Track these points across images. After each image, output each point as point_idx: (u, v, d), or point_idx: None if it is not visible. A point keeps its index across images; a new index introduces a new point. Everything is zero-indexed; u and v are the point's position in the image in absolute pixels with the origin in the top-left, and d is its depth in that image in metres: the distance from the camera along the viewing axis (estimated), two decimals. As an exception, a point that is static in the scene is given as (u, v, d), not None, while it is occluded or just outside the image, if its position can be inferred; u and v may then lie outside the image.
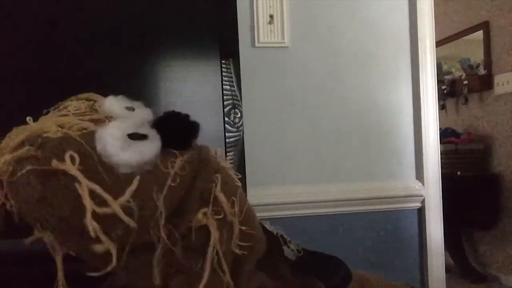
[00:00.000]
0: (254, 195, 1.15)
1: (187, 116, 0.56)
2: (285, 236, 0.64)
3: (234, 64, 1.09)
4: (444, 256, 1.39)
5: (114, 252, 0.45)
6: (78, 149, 0.46)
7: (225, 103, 1.08)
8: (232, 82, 1.09)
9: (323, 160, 1.30)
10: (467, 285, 2.80)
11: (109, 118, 0.53)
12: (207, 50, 1.05)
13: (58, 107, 0.56)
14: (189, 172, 0.52)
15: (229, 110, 1.10)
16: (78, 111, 0.54)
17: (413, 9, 1.35)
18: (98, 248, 0.44)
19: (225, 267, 0.52)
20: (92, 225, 0.43)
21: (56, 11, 0.97)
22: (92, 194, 0.44)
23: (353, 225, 1.32)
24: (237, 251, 0.54)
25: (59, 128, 0.48)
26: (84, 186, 0.44)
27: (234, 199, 0.55)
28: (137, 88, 1.01)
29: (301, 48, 1.29)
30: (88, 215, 0.43)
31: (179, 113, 0.56)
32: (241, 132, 1.12)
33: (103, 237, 0.44)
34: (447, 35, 3.22)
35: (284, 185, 1.27)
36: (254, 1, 1.25)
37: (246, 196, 0.62)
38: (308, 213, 1.28)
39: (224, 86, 1.07)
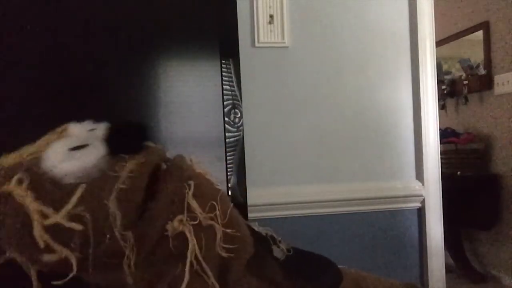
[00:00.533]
0: (254, 195, 1.15)
1: (130, 121, 0.58)
2: (275, 236, 0.64)
3: (234, 64, 1.09)
4: (444, 256, 1.38)
5: (73, 259, 0.47)
6: (28, 171, 0.50)
7: (225, 103, 1.08)
8: (232, 82, 1.09)
9: (323, 160, 1.30)
10: (467, 285, 2.80)
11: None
12: (207, 50, 1.05)
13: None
14: (142, 174, 0.53)
15: (229, 110, 1.10)
16: (47, 142, 0.57)
17: (413, 9, 1.35)
18: (49, 257, 0.47)
19: (208, 270, 0.52)
20: (40, 236, 0.46)
21: (56, 10, 0.97)
22: (42, 209, 0.47)
23: (353, 225, 1.31)
24: (224, 254, 0.54)
25: (19, 157, 0.52)
26: (29, 203, 0.47)
27: (214, 203, 0.55)
28: (137, 88, 1.00)
29: (301, 48, 1.29)
30: (36, 228, 0.46)
31: (123, 121, 0.58)
32: (241, 132, 1.12)
33: (55, 246, 0.47)
34: (447, 35, 3.22)
35: (284, 185, 1.27)
36: (254, 1, 1.25)
37: (229, 199, 0.62)
38: (308, 213, 1.27)
39: (224, 86, 1.07)
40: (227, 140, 1.08)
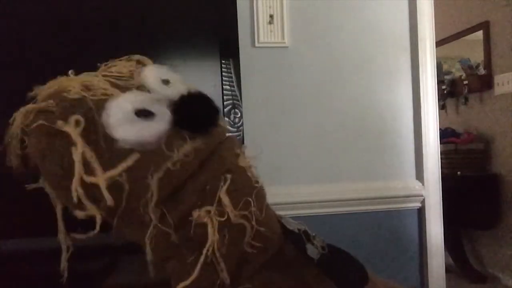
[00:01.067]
0: (254, 195, 1.15)
1: (208, 98, 0.53)
2: (309, 232, 0.61)
3: (234, 64, 1.09)
4: (444, 256, 1.38)
5: (98, 219, 0.46)
6: (87, 114, 0.47)
7: (225, 103, 1.08)
8: (232, 82, 1.09)
9: (323, 160, 1.30)
10: (467, 285, 2.80)
11: (140, 87, 0.53)
12: (207, 50, 1.05)
13: (106, 64, 0.57)
14: (193, 161, 0.50)
15: (229, 110, 1.10)
16: (118, 74, 0.54)
17: (413, 9, 1.35)
18: (79, 214, 0.46)
19: (222, 265, 0.51)
20: (76, 190, 0.44)
21: (56, 10, 0.97)
22: (86, 162, 0.45)
23: (352, 225, 1.31)
24: (249, 249, 0.53)
25: (83, 89, 0.49)
26: (79, 151, 0.45)
27: (250, 199, 0.53)
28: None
29: (301, 48, 1.29)
30: (75, 181, 0.44)
31: (202, 94, 0.53)
32: (241, 132, 1.12)
33: (86, 203, 0.45)
34: (447, 35, 3.22)
35: (284, 185, 1.27)
36: (254, 1, 1.25)
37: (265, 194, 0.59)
38: (308, 213, 1.27)
39: (224, 86, 1.07)
40: (227, 140, 1.08)
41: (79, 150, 0.45)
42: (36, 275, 0.88)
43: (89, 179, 0.45)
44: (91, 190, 0.45)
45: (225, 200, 0.52)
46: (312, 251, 0.58)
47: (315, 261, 0.58)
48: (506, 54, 2.74)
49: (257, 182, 0.57)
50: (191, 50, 1.05)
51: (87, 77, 0.53)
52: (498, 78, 2.80)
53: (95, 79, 0.52)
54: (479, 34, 2.94)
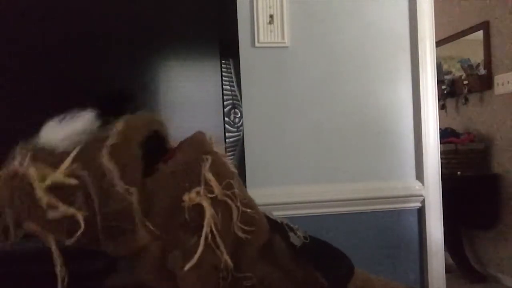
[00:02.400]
0: (254, 195, 1.14)
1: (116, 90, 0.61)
2: (291, 225, 0.65)
3: (234, 64, 1.09)
4: (444, 256, 1.38)
5: (79, 216, 0.49)
6: (31, 152, 0.53)
7: (225, 103, 1.08)
8: (232, 82, 1.09)
9: (323, 160, 1.30)
10: (467, 285, 2.80)
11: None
12: (207, 50, 1.05)
13: None
14: (137, 128, 0.55)
15: (229, 110, 1.10)
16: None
17: (413, 9, 1.35)
18: (53, 214, 0.49)
19: (221, 245, 0.52)
20: (42, 197, 0.49)
21: (55, 9, 0.97)
22: (42, 176, 0.50)
23: (352, 225, 1.31)
24: (240, 234, 0.54)
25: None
26: (30, 172, 0.50)
27: (231, 181, 0.56)
28: (137, 88, 1.00)
29: (301, 48, 1.29)
30: (37, 190, 0.49)
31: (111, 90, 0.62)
32: (241, 132, 1.12)
33: (59, 204, 0.49)
34: (447, 35, 3.22)
35: (284, 185, 1.27)
36: (254, 1, 1.25)
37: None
38: (308, 213, 1.27)
39: (224, 86, 1.07)
40: (227, 140, 1.08)
41: (30, 170, 0.50)
42: (36, 275, 0.88)
43: (47, 181, 0.49)
44: (60, 194, 0.49)
45: (209, 176, 0.54)
46: (295, 239, 0.62)
47: (297, 248, 0.61)
48: (506, 54, 2.74)
49: (234, 168, 0.60)
50: (191, 50, 1.05)
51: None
52: (498, 78, 2.80)
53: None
54: (479, 34, 2.94)
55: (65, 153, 0.52)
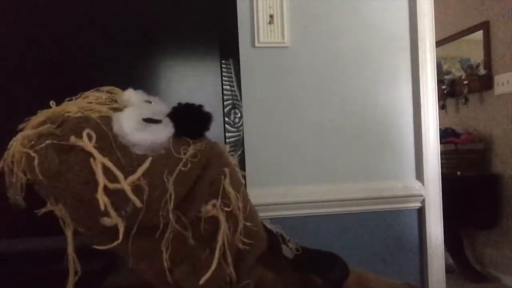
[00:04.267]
0: (254, 195, 1.14)
1: (200, 106, 0.58)
2: (284, 235, 0.65)
3: (234, 64, 1.09)
4: (444, 256, 1.38)
5: (121, 228, 0.46)
6: (96, 128, 0.48)
7: (225, 103, 1.08)
8: (232, 82, 1.09)
9: (323, 160, 1.30)
10: (467, 285, 2.80)
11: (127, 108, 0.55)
12: (207, 50, 1.05)
13: (80, 96, 0.58)
14: (200, 160, 0.53)
15: (229, 110, 1.10)
16: (98, 100, 0.56)
17: (413, 9, 1.35)
18: (107, 221, 0.46)
19: (229, 258, 0.53)
20: (102, 199, 0.45)
21: (55, 9, 0.97)
22: (105, 171, 0.46)
23: (352, 225, 1.31)
24: (240, 245, 0.55)
25: (80, 110, 0.51)
26: (98, 161, 0.46)
27: (238, 195, 0.56)
28: (137, 88, 1.00)
29: (301, 48, 1.29)
30: (100, 189, 0.45)
31: (193, 104, 0.58)
32: (241, 132, 1.12)
33: (112, 212, 0.46)
34: (447, 35, 3.22)
35: (284, 185, 1.27)
36: (254, 1, 1.25)
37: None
38: (308, 213, 1.28)
39: (224, 86, 1.07)
40: (227, 140, 1.08)
41: (98, 160, 0.46)
42: (36, 275, 0.88)
43: (113, 186, 0.46)
44: (114, 202, 0.46)
45: (230, 189, 0.55)
46: (287, 251, 0.63)
47: (289, 261, 0.62)
48: (506, 54, 2.74)
49: (243, 178, 0.61)
50: (191, 50, 1.05)
51: (75, 102, 0.55)
52: (498, 78, 2.80)
53: (84, 103, 0.54)
54: (479, 34, 2.94)
55: (137, 159, 0.49)
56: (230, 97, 1.09)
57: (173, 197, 0.49)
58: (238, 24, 1.19)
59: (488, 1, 2.86)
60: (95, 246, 0.48)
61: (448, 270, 1.58)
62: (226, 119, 1.08)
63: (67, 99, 0.56)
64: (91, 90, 0.60)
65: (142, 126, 0.51)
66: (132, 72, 1.01)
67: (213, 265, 0.51)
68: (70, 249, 0.52)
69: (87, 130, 0.47)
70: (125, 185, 0.46)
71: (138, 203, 0.46)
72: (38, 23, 0.96)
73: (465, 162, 2.86)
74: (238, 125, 1.12)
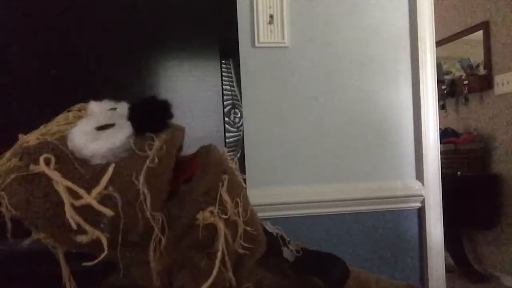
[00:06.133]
0: (254, 195, 1.14)
1: (153, 97, 0.56)
2: (285, 237, 0.65)
3: (234, 64, 1.09)
4: (444, 256, 1.38)
5: (103, 240, 0.46)
6: (54, 150, 0.49)
7: (225, 103, 1.08)
8: (232, 82, 1.09)
9: (323, 160, 1.30)
10: (467, 285, 2.80)
11: None
12: (207, 50, 1.05)
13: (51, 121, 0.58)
14: (168, 152, 0.52)
15: (229, 110, 1.10)
16: (66, 121, 0.56)
17: (413, 9, 1.35)
18: (82, 238, 0.47)
19: (228, 264, 0.52)
20: (72, 217, 0.45)
21: (56, 9, 0.97)
22: (71, 190, 0.46)
23: (353, 225, 1.31)
24: (240, 250, 0.54)
25: (39, 137, 0.51)
26: (60, 183, 0.46)
27: (238, 200, 0.55)
28: (137, 88, 1.00)
29: (301, 48, 1.29)
30: (67, 209, 0.45)
31: (148, 98, 0.56)
32: (241, 132, 1.12)
33: (87, 227, 0.46)
34: (447, 35, 3.22)
35: (284, 185, 1.27)
36: (254, 1, 1.25)
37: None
38: (308, 213, 1.27)
39: (224, 86, 1.07)
40: (227, 140, 1.08)
41: (59, 181, 0.46)
42: (36, 275, 0.88)
43: (79, 202, 0.46)
44: (89, 217, 0.46)
45: (226, 197, 0.54)
46: (287, 254, 0.62)
47: (290, 263, 0.62)
48: (506, 54, 2.74)
49: (244, 182, 0.60)
50: (191, 50, 1.05)
51: (38, 130, 0.55)
52: (498, 78, 2.80)
53: (46, 128, 0.54)
54: (479, 34, 2.94)
55: (99, 169, 0.48)
56: (230, 97, 1.09)
57: (148, 196, 0.48)
58: (238, 24, 1.19)
59: (488, 1, 2.86)
60: (84, 264, 0.47)
61: (448, 270, 1.58)
62: (226, 119, 1.08)
63: (42, 125, 0.56)
64: (63, 112, 0.60)
65: (95, 136, 0.50)
66: (133, 72, 1.01)
67: (213, 274, 0.51)
68: (65, 272, 0.52)
69: (44, 155, 0.47)
70: (89, 199, 0.46)
71: (108, 212, 0.46)
72: (38, 23, 0.96)
73: (465, 162, 2.86)
74: (238, 125, 1.12)
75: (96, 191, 0.46)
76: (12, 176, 0.47)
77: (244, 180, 0.62)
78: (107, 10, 0.99)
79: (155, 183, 0.49)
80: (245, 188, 0.60)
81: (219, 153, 0.59)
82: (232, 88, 1.09)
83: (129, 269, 0.53)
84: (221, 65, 1.06)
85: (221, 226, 0.52)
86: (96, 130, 0.51)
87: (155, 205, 0.49)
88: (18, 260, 0.86)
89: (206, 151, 0.58)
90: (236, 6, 1.13)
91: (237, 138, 1.11)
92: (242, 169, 1.08)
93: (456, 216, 2.38)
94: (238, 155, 1.09)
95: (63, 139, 0.50)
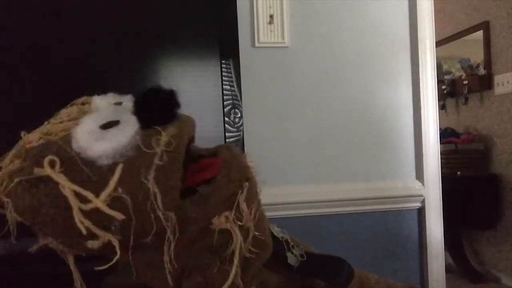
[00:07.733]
0: (254, 195, 1.15)
1: (158, 88, 0.53)
2: (290, 241, 0.63)
3: (234, 64, 1.09)
4: (444, 256, 1.38)
5: (115, 243, 0.45)
6: (58, 152, 0.46)
7: (225, 103, 1.08)
8: (232, 82, 1.09)
9: (323, 160, 1.30)
10: (467, 285, 2.80)
11: None
12: (207, 50, 1.05)
13: (54, 115, 0.56)
14: (178, 147, 0.49)
15: (229, 110, 1.10)
16: (70, 116, 0.53)
17: (413, 9, 1.35)
18: (93, 244, 0.45)
19: (239, 270, 0.51)
20: (81, 222, 0.43)
21: (56, 10, 0.97)
22: (78, 194, 0.44)
23: (352, 225, 1.31)
24: (247, 255, 0.53)
25: (42, 136, 0.48)
26: (66, 186, 0.44)
27: (252, 205, 0.54)
28: (137, 88, 1.00)
29: (301, 48, 1.29)
30: (76, 214, 0.43)
31: (152, 89, 0.53)
32: (241, 132, 1.12)
33: (97, 231, 0.44)
34: (447, 35, 3.22)
35: (284, 185, 1.27)
36: (254, 1, 1.25)
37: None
38: (308, 213, 1.27)
39: (224, 86, 1.07)
40: (227, 140, 1.08)
41: (65, 185, 0.44)
42: (36, 275, 0.88)
43: (87, 206, 0.44)
44: (99, 220, 0.45)
45: (243, 207, 0.52)
46: (292, 259, 0.61)
47: (294, 268, 0.61)
48: (506, 54, 2.74)
49: (259, 189, 0.58)
50: (191, 50, 1.05)
51: (41, 128, 0.52)
52: (498, 78, 2.80)
53: (49, 126, 0.51)
54: (479, 34, 2.94)
55: (107, 170, 0.46)
56: (230, 97, 1.10)
57: (159, 195, 0.46)
58: (238, 24, 1.19)
59: (488, 1, 2.86)
60: (96, 268, 0.46)
61: (448, 270, 1.58)
62: (226, 119, 1.08)
63: (45, 122, 0.54)
64: (67, 106, 0.57)
65: (100, 135, 0.47)
66: (133, 72, 1.01)
67: (230, 278, 0.49)
68: (76, 276, 0.50)
69: (48, 157, 0.45)
70: (98, 203, 0.44)
71: (118, 216, 0.45)
72: (38, 22, 0.96)
73: (465, 162, 2.86)
74: (238, 125, 1.12)
75: (105, 193, 0.44)
76: (16, 179, 0.45)
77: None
78: (108, 10, 0.99)
79: (166, 181, 0.47)
80: (258, 194, 0.58)
81: (244, 159, 0.57)
82: (232, 88, 1.09)
83: (137, 270, 0.52)
84: (221, 65, 1.06)
85: (237, 232, 0.50)
86: (100, 128, 0.49)
87: (167, 204, 0.47)
88: (21, 261, 0.86)
89: (230, 153, 0.55)
90: (236, 6, 1.13)
91: (237, 138, 1.11)
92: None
93: (456, 216, 2.38)
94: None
95: (67, 138, 0.48)
